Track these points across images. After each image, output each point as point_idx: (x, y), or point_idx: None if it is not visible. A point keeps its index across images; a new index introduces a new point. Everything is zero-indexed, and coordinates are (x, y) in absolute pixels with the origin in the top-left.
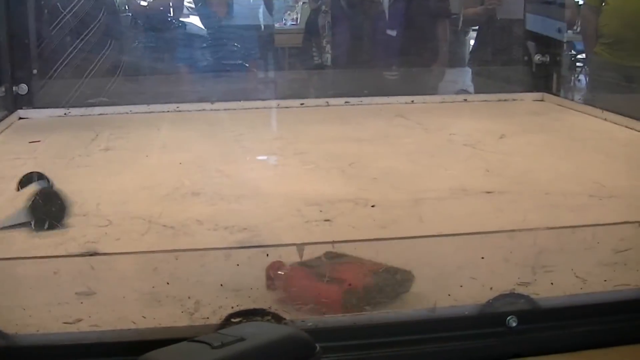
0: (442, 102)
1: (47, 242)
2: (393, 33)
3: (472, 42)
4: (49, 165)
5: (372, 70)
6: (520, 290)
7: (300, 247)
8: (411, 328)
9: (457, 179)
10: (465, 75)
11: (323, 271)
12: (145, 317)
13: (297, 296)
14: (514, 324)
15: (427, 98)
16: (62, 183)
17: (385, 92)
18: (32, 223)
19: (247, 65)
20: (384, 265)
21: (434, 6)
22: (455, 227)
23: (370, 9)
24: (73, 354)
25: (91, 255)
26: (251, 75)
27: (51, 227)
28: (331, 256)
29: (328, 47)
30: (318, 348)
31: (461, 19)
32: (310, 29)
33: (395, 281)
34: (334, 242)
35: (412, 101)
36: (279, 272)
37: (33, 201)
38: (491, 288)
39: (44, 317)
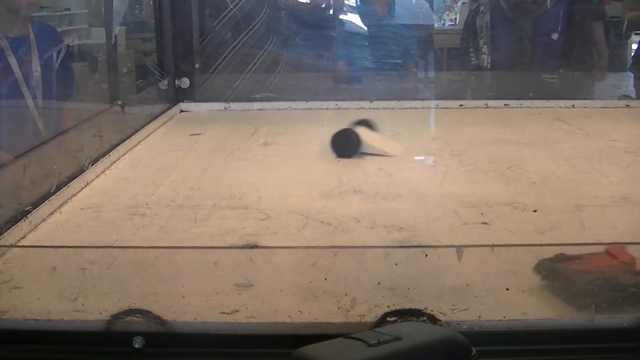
0: (604, 107)
1: (208, 231)
2: (555, 36)
3: (634, 46)
4: (209, 158)
5: (532, 72)
6: None
7: (460, 249)
8: (569, 336)
9: (618, 186)
10: (627, 80)
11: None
12: (301, 312)
13: None
14: None
15: (588, 103)
16: (222, 176)
17: (545, 95)
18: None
19: (406, 64)
20: None
21: (590, 8)
22: (618, 236)
23: (530, 11)
24: (229, 343)
25: (251, 247)
26: (410, 75)
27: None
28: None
29: (485, 48)
30: (474, 351)
31: (625, 22)
32: (469, 29)
33: None
34: (492, 245)
35: (573, 105)
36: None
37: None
38: None
39: (202, 306)
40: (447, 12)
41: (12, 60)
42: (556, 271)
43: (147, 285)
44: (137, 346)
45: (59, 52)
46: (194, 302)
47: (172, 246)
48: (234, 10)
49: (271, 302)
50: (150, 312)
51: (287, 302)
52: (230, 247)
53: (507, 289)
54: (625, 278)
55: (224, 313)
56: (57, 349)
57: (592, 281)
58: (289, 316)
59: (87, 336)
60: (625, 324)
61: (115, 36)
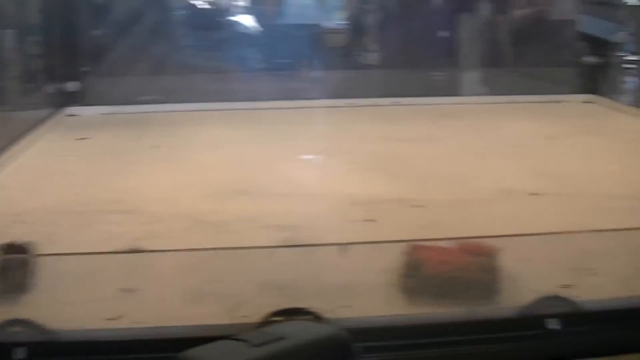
0: (490, 103)
1: (93, 237)
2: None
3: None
4: (96, 163)
5: (420, 70)
6: (563, 292)
7: (344, 247)
8: (449, 329)
9: (503, 181)
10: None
11: None
12: (186, 315)
13: None
14: (556, 327)
15: (475, 99)
16: (110, 180)
17: (434, 92)
18: None
19: (296, 64)
20: None
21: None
22: (501, 229)
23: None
24: (114, 350)
25: (135, 252)
26: (300, 75)
27: None
28: None
29: (374, 47)
30: (357, 348)
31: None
32: (356, 28)
33: None
34: (378, 242)
35: (460, 102)
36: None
37: None
38: (534, 290)
39: (86, 313)
40: (339, 11)
41: None
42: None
43: (30, 294)
44: (19, 357)
45: None
46: (78, 310)
47: (55, 253)
48: (122, 13)
49: (156, 307)
50: (33, 321)
51: (172, 305)
52: (115, 252)
53: (389, 285)
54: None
55: (108, 319)
56: None
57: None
58: (175, 320)
59: None
60: (500, 316)
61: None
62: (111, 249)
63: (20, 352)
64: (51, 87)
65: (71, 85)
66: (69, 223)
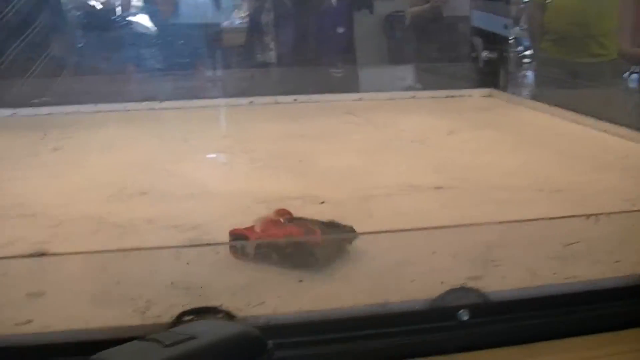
0: (390, 99)
1: None
2: (339, 30)
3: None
4: None
5: (319, 67)
6: (471, 284)
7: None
8: (363, 323)
9: (405, 175)
10: (413, 73)
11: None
12: (96, 317)
13: None
14: (465, 318)
15: (375, 95)
16: (9, 185)
17: (334, 89)
18: None
19: (194, 63)
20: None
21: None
22: (405, 223)
23: (313, 6)
24: (26, 355)
25: (40, 255)
26: (198, 74)
27: None
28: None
29: (272, 45)
30: (270, 344)
31: (407, 17)
32: (254, 26)
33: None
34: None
35: (360, 98)
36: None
37: None
38: (442, 282)
39: None
40: (236, 10)
41: None
42: None
43: None
44: None
45: None
46: None
47: None
48: (15, 13)
49: (65, 310)
50: None
51: (82, 308)
52: (18, 257)
53: (301, 281)
54: None
55: (18, 324)
56: None
57: None
58: (84, 322)
59: None
60: (415, 307)
61: None
62: (15, 253)
63: None
64: None
65: None
66: None
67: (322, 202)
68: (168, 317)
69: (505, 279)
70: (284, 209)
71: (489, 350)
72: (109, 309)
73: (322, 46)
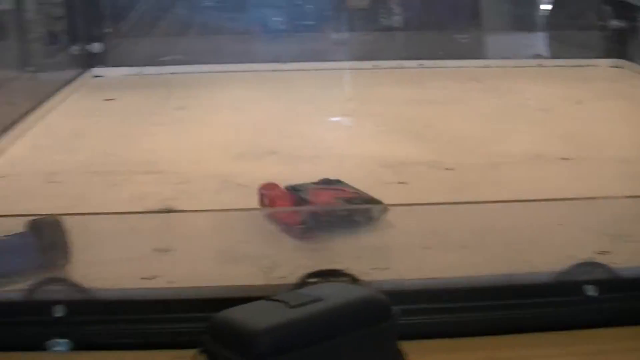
0: (516, 66)
1: (124, 197)
2: None
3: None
4: (124, 124)
5: (445, 32)
6: (600, 259)
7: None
8: (488, 293)
9: (531, 144)
10: (540, 40)
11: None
12: (221, 275)
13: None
14: (592, 293)
15: (501, 62)
16: (138, 141)
17: (459, 55)
18: None
19: (319, 25)
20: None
21: None
22: (531, 193)
23: None
24: (150, 309)
25: (168, 212)
26: (323, 36)
27: None
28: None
29: (398, 9)
30: (395, 310)
31: None
32: None
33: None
34: (409, 204)
35: (486, 65)
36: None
37: None
38: (569, 256)
39: (123, 272)
40: None
41: None
42: None
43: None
44: (58, 314)
45: None
46: (114, 269)
47: (88, 213)
48: None
49: (191, 267)
50: (70, 280)
51: (207, 265)
52: (147, 212)
53: (426, 248)
54: None
55: (144, 279)
56: None
57: None
58: (210, 280)
59: (7, 306)
60: (541, 280)
61: (23, 1)
62: (143, 209)
63: (59, 310)
64: (75, 48)
65: (95, 47)
66: (99, 183)
67: (448, 169)
68: (293, 278)
69: (637, 256)
70: (272, 183)
71: (616, 328)
72: (235, 267)
73: (448, 11)
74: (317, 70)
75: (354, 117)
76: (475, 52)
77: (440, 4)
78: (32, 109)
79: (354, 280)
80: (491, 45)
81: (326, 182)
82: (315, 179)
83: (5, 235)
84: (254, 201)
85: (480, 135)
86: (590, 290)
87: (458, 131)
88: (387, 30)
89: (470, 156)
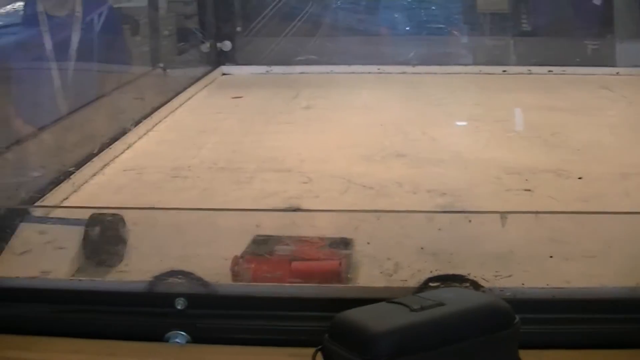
0: None
1: (250, 194)
2: (597, 1)
3: None
4: (251, 121)
5: (575, 38)
6: None
7: (504, 215)
8: (609, 306)
9: None
10: None
11: None
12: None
13: None
14: None
15: (633, 70)
16: (265, 139)
17: (589, 62)
18: None
19: (448, 29)
20: None
21: None
22: None
23: None
24: (271, 306)
25: (294, 210)
26: (453, 40)
27: None
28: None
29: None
30: (517, 319)
31: None
32: None
33: None
34: (535, 212)
35: (617, 73)
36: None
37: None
38: None
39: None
40: None
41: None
42: None
43: (190, 247)
44: (179, 307)
45: (108, 14)
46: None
47: (214, 208)
48: None
49: None
50: (193, 273)
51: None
52: (273, 210)
53: (551, 257)
54: None
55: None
56: (100, 309)
57: None
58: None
59: (129, 297)
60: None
61: None
62: (269, 207)
63: (180, 302)
64: (206, 46)
65: (225, 45)
66: (225, 179)
67: (580, 178)
68: (414, 281)
69: None
70: None
71: None
72: (357, 268)
73: (578, 17)
74: (445, 74)
75: (481, 122)
76: (606, 59)
77: (571, 10)
78: (161, 104)
79: (475, 286)
80: (623, 53)
81: None
82: (440, 182)
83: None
84: (378, 203)
85: (610, 144)
86: None
87: (587, 139)
88: (517, 36)
89: (599, 165)
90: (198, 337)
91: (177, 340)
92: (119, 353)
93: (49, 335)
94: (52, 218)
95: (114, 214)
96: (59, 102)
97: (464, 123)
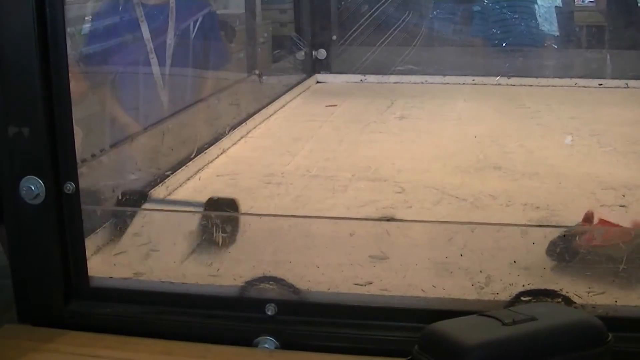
0: None
1: (344, 202)
2: None
3: None
4: (345, 129)
5: None
6: None
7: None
8: None
9: None
10: None
11: None
12: (435, 287)
13: None
14: None
15: None
16: (358, 148)
17: None
18: None
19: (544, 41)
20: None
21: None
22: None
23: None
24: (361, 315)
25: (388, 220)
26: (548, 52)
27: None
28: None
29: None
30: (610, 337)
31: None
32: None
33: None
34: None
35: None
36: None
37: None
38: None
39: (336, 276)
40: None
41: (157, 25)
42: None
43: (282, 254)
44: (269, 313)
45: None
46: (328, 272)
47: (308, 215)
48: None
49: (405, 276)
50: (284, 280)
51: (421, 276)
52: (367, 219)
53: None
54: None
55: (357, 284)
56: (191, 312)
57: None
58: (423, 290)
59: (221, 301)
60: None
61: (253, 6)
62: (363, 215)
63: (271, 308)
64: (301, 54)
65: (321, 53)
66: (319, 187)
67: None
68: (506, 295)
69: None
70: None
71: None
72: (448, 280)
73: None
74: (540, 86)
75: (576, 136)
76: None
77: None
78: (256, 111)
79: (568, 301)
80: None
81: None
82: (534, 196)
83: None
84: (471, 215)
85: None
86: None
87: None
88: (615, 49)
89: None
90: (287, 344)
91: (265, 345)
92: (209, 356)
93: (141, 335)
94: (172, 200)
95: (230, 198)
96: (154, 107)
97: (559, 136)
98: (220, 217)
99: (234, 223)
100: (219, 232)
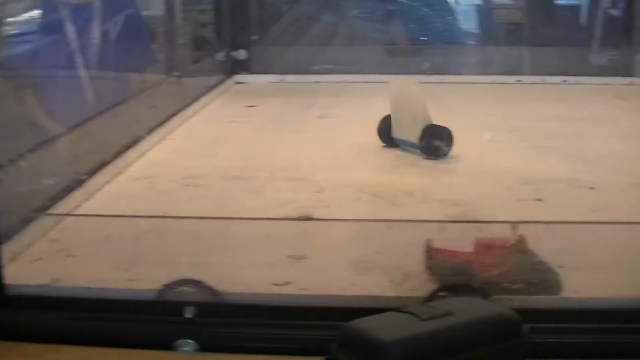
0: None
1: (262, 203)
2: (614, 12)
3: None
4: (264, 130)
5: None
6: None
7: (514, 225)
8: (621, 316)
9: None
10: None
11: None
12: (354, 285)
13: None
14: None
15: None
16: (278, 148)
17: (604, 72)
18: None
19: (463, 38)
20: None
21: None
22: None
23: None
24: (280, 315)
25: (305, 219)
26: (467, 49)
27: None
28: None
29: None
30: (526, 328)
31: None
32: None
33: None
34: (546, 222)
35: (631, 83)
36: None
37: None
38: None
39: (255, 277)
40: None
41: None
42: None
43: (200, 256)
44: (188, 316)
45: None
46: (247, 273)
47: (225, 217)
48: None
49: (323, 275)
50: (203, 282)
51: (340, 274)
52: (284, 219)
53: (561, 267)
54: None
55: (275, 285)
56: (109, 317)
57: None
58: (341, 289)
59: (139, 305)
60: None
61: (173, 8)
62: (281, 215)
63: (189, 311)
64: (221, 55)
65: (241, 54)
66: (238, 188)
67: (592, 188)
68: (424, 291)
69: None
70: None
71: None
72: (367, 278)
73: (595, 27)
74: (459, 83)
75: (494, 132)
76: (620, 69)
77: (587, 20)
78: (175, 113)
79: (484, 295)
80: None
81: None
82: (451, 192)
83: None
84: (390, 212)
85: (625, 154)
86: None
87: (601, 150)
88: (531, 45)
89: (613, 176)
90: (206, 346)
91: (185, 348)
92: None
93: (58, 343)
94: None
95: None
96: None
97: (477, 132)
98: None
99: None
100: None
